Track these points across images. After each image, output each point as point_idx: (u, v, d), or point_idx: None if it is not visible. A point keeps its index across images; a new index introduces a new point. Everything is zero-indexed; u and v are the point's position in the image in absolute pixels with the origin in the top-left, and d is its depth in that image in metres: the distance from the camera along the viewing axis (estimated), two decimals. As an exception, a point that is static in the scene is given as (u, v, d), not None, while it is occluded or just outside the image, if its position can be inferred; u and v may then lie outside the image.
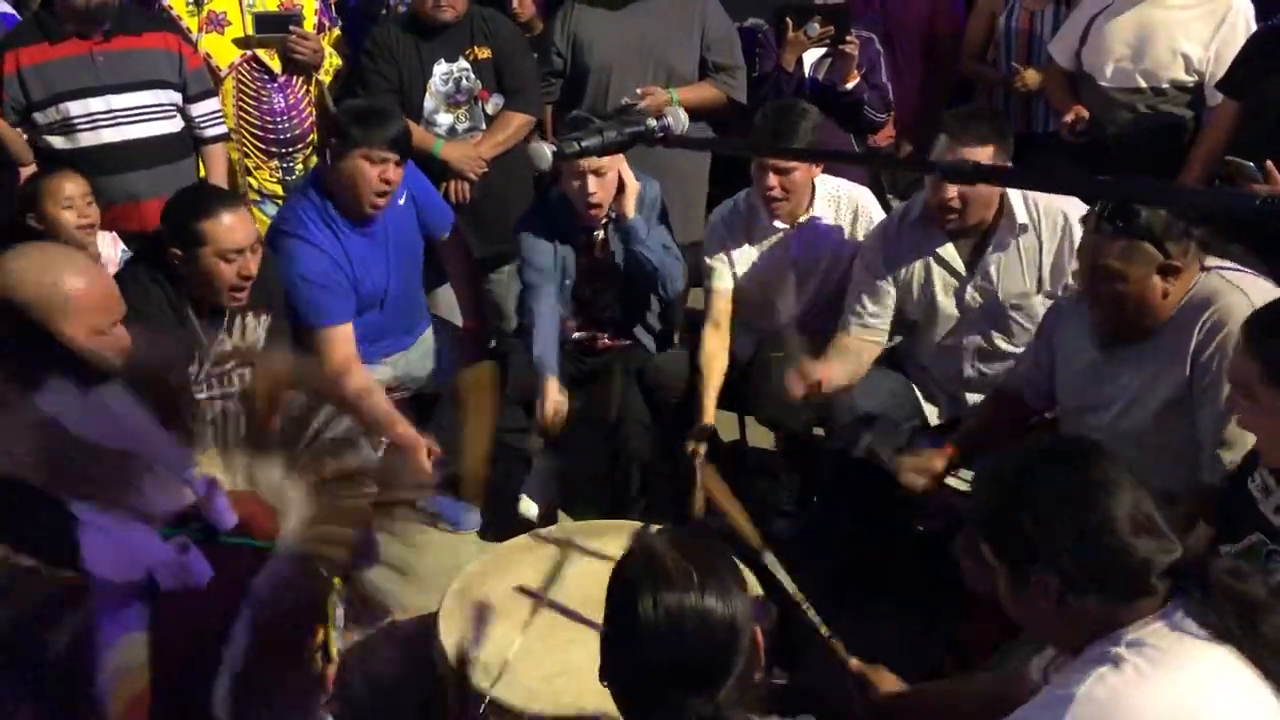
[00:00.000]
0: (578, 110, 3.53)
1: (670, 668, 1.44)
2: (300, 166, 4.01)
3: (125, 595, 0.83)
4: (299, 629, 0.90)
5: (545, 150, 1.72)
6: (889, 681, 2.07)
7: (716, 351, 3.40)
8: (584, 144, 1.73)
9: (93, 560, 0.81)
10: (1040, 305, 3.04)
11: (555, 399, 3.29)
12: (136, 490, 0.85)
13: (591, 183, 3.26)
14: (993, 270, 3.06)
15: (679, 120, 1.73)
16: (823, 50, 3.92)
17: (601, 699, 2.11)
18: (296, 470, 0.97)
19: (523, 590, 2.53)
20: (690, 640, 1.44)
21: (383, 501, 0.99)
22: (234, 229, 2.87)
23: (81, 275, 2.16)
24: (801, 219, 3.39)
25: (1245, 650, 1.43)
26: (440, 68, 3.87)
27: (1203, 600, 1.45)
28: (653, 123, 1.71)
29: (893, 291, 3.20)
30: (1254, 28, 3.59)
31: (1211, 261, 2.45)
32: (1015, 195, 3.02)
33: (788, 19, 3.86)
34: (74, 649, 0.82)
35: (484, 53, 3.88)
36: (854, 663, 2.12)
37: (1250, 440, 2.09)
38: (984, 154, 2.90)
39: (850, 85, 3.89)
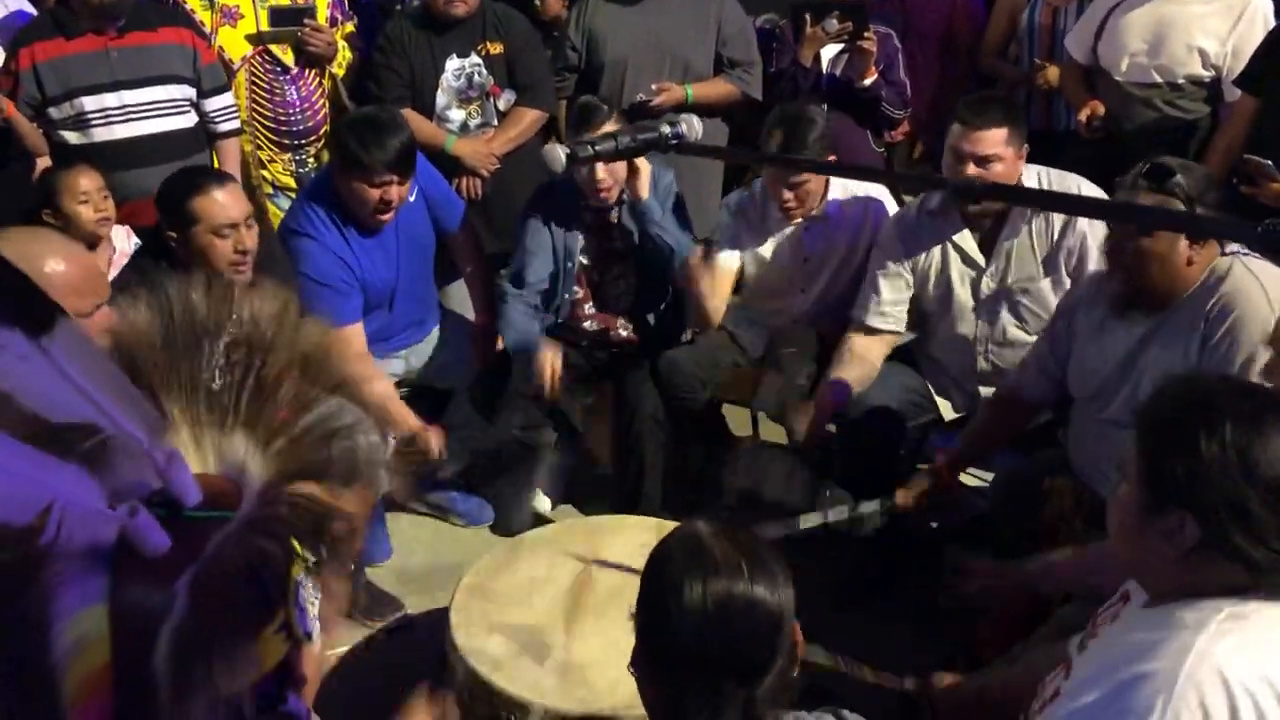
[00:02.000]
0: (587, 99, 3.54)
1: (713, 658, 1.40)
2: (313, 160, 4.01)
3: (83, 567, 0.81)
4: (249, 597, 0.87)
5: (559, 154, 1.75)
6: (946, 681, 2.02)
7: (709, 291, 3.41)
8: (597, 149, 1.76)
9: None
10: (1048, 288, 3.04)
11: (548, 358, 3.28)
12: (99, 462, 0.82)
13: (599, 168, 3.26)
14: (1007, 256, 3.06)
15: (693, 128, 1.76)
16: (840, 46, 3.91)
17: (613, 694, 2.14)
18: (272, 449, 0.94)
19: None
20: (737, 631, 1.40)
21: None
22: (226, 204, 2.84)
23: (62, 258, 2.16)
24: (814, 215, 3.38)
25: None
26: (452, 63, 3.87)
27: None
28: (666, 129, 1.74)
29: (910, 280, 3.20)
30: (1272, 23, 3.56)
31: (1232, 246, 2.45)
32: (1029, 177, 3.02)
33: (805, 15, 3.85)
34: (26, 624, 0.79)
35: (496, 48, 3.88)
36: (908, 683, 2.07)
37: None
38: (998, 137, 2.90)
39: (868, 81, 3.88)
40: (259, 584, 0.86)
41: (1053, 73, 4.06)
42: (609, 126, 3.20)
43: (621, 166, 3.30)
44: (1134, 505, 1.47)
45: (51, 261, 2.12)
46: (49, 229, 2.75)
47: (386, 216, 3.25)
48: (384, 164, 3.13)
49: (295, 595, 0.92)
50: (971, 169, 2.91)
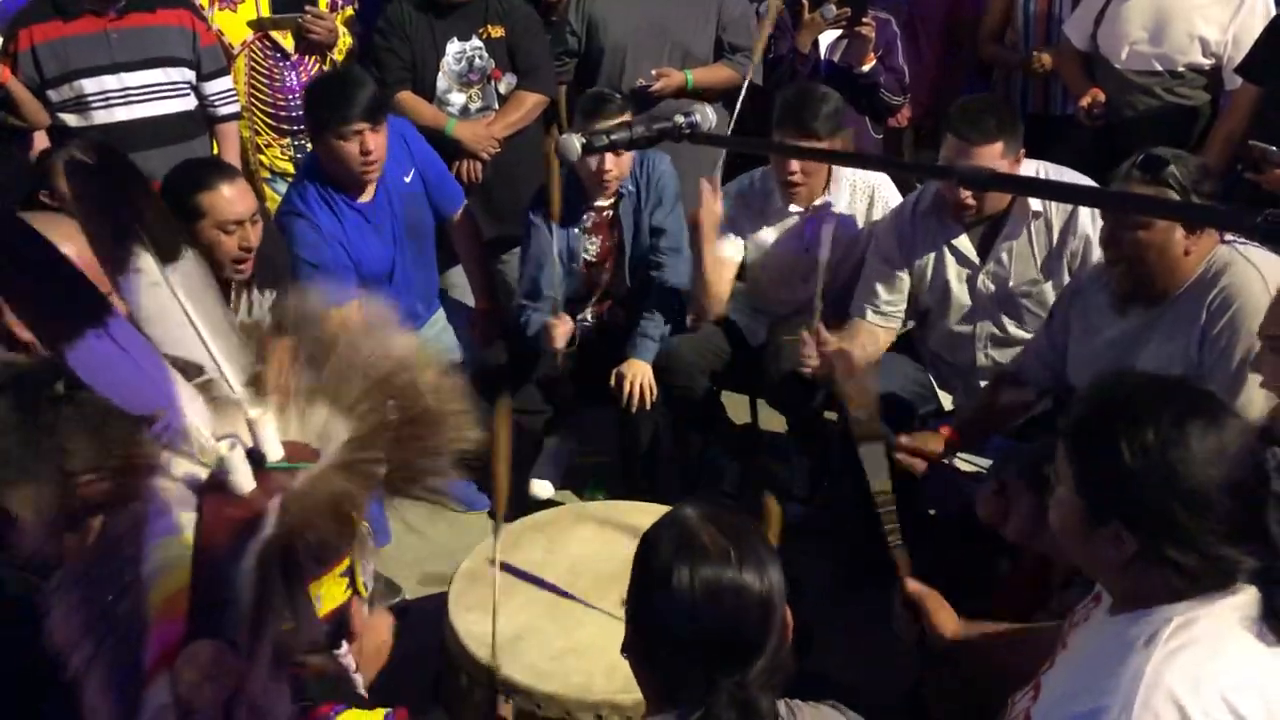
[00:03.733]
0: (599, 87, 3.54)
1: (704, 643, 1.41)
2: (311, 145, 4.00)
3: (176, 496, 0.89)
4: (327, 531, 0.94)
5: (575, 143, 1.76)
6: (946, 613, 2.01)
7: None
8: (613, 138, 1.77)
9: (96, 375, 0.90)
10: (1050, 291, 3.04)
11: (561, 323, 3.31)
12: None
13: (608, 160, 3.27)
14: (1004, 257, 3.06)
15: (706, 117, 1.76)
16: (839, 32, 3.90)
17: (609, 679, 2.15)
18: (342, 406, 1.01)
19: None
20: (726, 616, 1.41)
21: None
22: (233, 200, 2.86)
23: (71, 242, 2.16)
24: (816, 204, 3.38)
25: None
26: (453, 46, 3.86)
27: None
28: (680, 119, 1.74)
29: (907, 278, 3.19)
30: (1274, 12, 3.55)
31: (1229, 236, 2.45)
32: (1028, 173, 3.00)
33: (804, 1, 3.84)
34: (130, 535, 0.89)
35: (497, 32, 3.87)
36: (911, 584, 2.07)
37: (1259, 413, 2.07)
38: (993, 152, 2.86)
39: (866, 68, 3.88)
40: (337, 520, 0.93)
41: (1047, 58, 4.06)
42: (621, 118, 3.22)
43: (626, 159, 3.30)
44: (1075, 514, 1.47)
45: (61, 245, 2.12)
46: (54, 215, 2.74)
47: (373, 170, 3.26)
48: (349, 115, 3.16)
49: (361, 547, 1.00)
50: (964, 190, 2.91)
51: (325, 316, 1.05)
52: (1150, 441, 1.38)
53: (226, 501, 0.93)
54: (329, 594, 1.02)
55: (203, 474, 0.96)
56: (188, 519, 0.92)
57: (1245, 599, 1.40)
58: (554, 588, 2.48)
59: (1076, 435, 1.49)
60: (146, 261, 1.00)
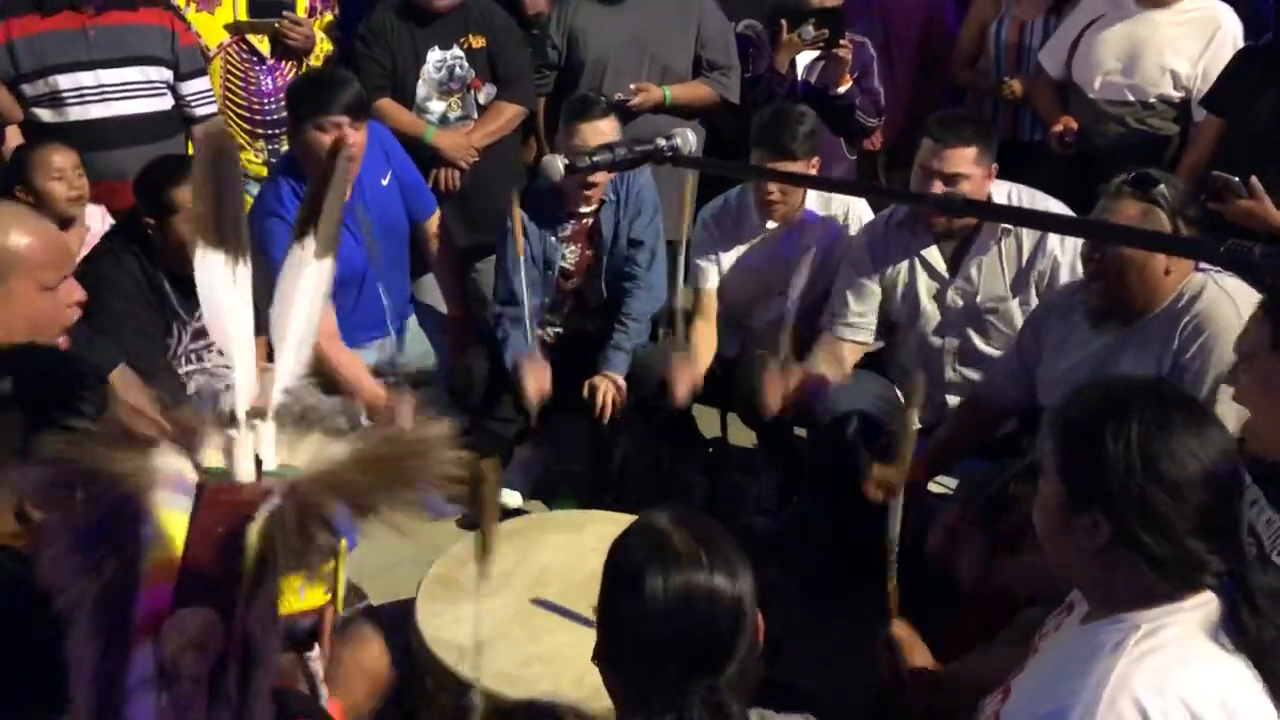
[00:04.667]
0: (586, 91, 3.56)
1: (676, 648, 1.41)
2: (285, 148, 4.00)
3: (177, 477, 0.94)
4: (322, 523, 0.97)
5: (558, 164, 1.81)
6: (921, 654, 2.05)
7: (702, 340, 3.43)
8: (595, 160, 1.80)
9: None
10: (1016, 309, 3.08)
11: (535, 379, 3.29)
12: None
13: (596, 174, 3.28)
14: (974, 272, 3.10)
15: (687, 141, 1.80)
16: (816, 53, 3.94)
17: (578, 687, 2.15)
18: (333, 432, 1.05)
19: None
20: (698, 620, 1.41)
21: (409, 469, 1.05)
22: None
23: (28, 231, 2.15)
24: (791, 219, 3.41)
25: (1262, 671, 1.40)
26: (434, 55, 3.88)
27: (1248, 615, 1.41)
28: (662, 142, 1.78)
29: (878, 292, 3.23)
30: (1241, 45, 3.63)
31: (1204, 265, 2.49)
32: (1000, 195, 3.06)
33: (782, 21, 3.87)
34: (133, 499, 0.93)
35: (478, 42, 3.89)
36: (898, 627, 2.11)
37: (1230, 430, 2.11)
38: (967, 155, 2.94)
39: (842, 89, 3.91)
40: (328, 522, 0.96)
41: (1017, 85, 4.12)
42: (604, 124, 3.23)
43: (607, 176, 3.34)
44: (1054, 505, 1.52)
45: (16, 235, 2.11)
46: (13, 203, 2.73)
47: (351, 165, 3.25)
48: (331, 107, 3.18)
49: (343, 555, 1.03)
50: (939, 186, 2.95)
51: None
52: (1134, 430, 1.43)
53: (225, 488, 0.96)
54: (310, 593, 1.04)
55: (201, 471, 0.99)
56: (185, 500, 0.95)
57: (1210, 610, 1.44)
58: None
59: (1063, 429, 1.54)
60: (309, 244, 1.06)
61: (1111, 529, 1.44)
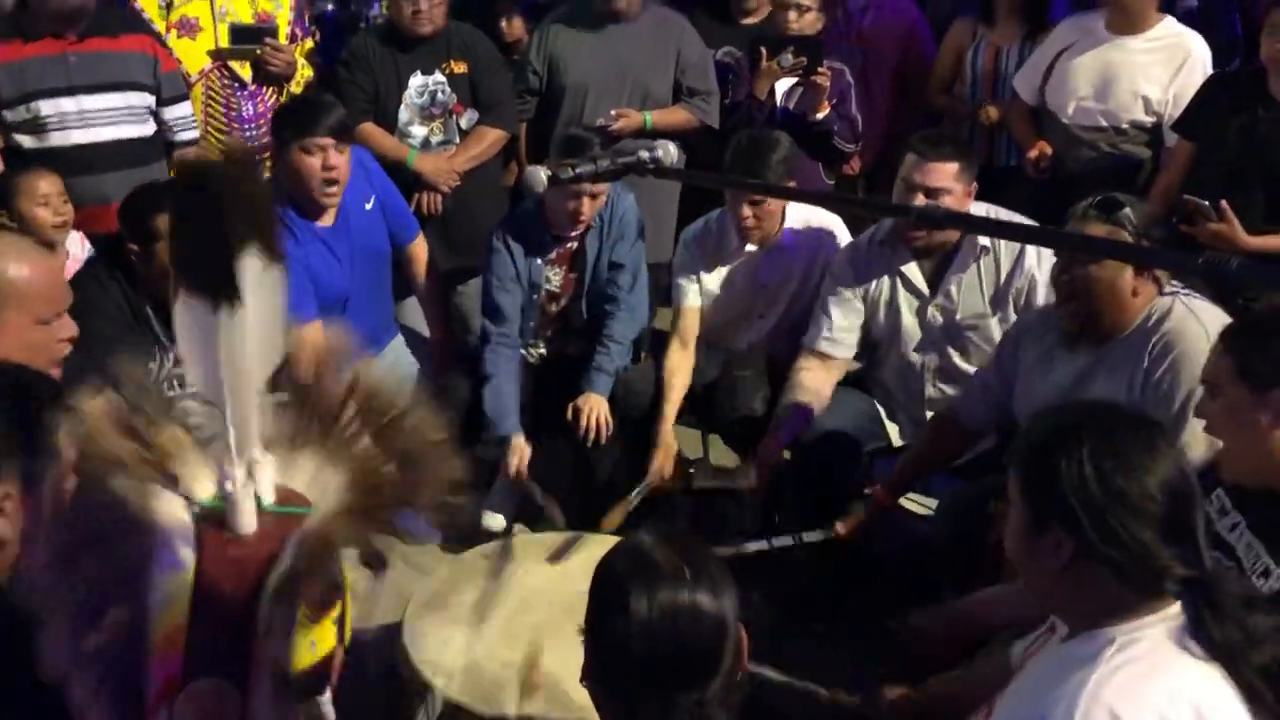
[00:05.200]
0: (563, 125, 3.59)
1: (661, 664, 1.44)
2: (267, 174, 4.00)
3: (177, 533, 0.89)
4: (329, 576, 0.95)
5: (540, 175, 1.80)
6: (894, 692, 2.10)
7: (679, 366, 3.45)
8: (578, 171, 1.81)
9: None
10: (995, 327, 3.12)
11: (518, 451, 3.33)
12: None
13: (585, 203, 3.32)
14: (953, 290, 3.14)
15: (669, 153, 1.81)
16: (794, 80, 3.98)
17: (565, 708, 2.15)
18: (329, 457, 1.01)
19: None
20: (685, 636, 1.44)
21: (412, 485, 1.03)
22: None
23: (26, 263, 2.15)
24: (771, 241, 3.44)
25: (1234, 676, 1.44)
26: (416, 80, 3.90)
27: (1212, 620, 1.45)
28: (644, 154, 1.79)
29: (861, 308, 3.26)
30: (1210, 72, 3.70)
31: (1172, 285, 2.54)
32: (978, 214, 3.09)
33: (762, 49, 3.92)
34: (138, 567, 0.90)
35: (460, 67, 3.92)
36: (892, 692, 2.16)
37: (1200, 456, 2.15)
38: (949, 171, 2.99)
39: (821, 115, 3.95)
40: (337, 569, 0.94)
41: (994, 111, 4.18)
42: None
43: (601, 199, 3.36)
44: (1020, 528, 1.58)
45: (15, 266, 2.11)
46: (11, 232, 2.72)
47: (333, 192, 3.27)
48: (316, 130, 3.19)
49: (349, 594, 1.01)
50: (921, 200, 2.99)
51: (297, 354, 1.06)
52: (1085, 449, 1.50)
53: (228, 541, 0.94)
54: (322, 639, 1.02)
55: (194, 507, 0.96)
56: (189, 555, 0.93)
57: (1179, 622, 1.48)
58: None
59: (1023, 453, 1.61)
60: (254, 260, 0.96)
61: (1074, 544, 1.50)
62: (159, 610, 0.90)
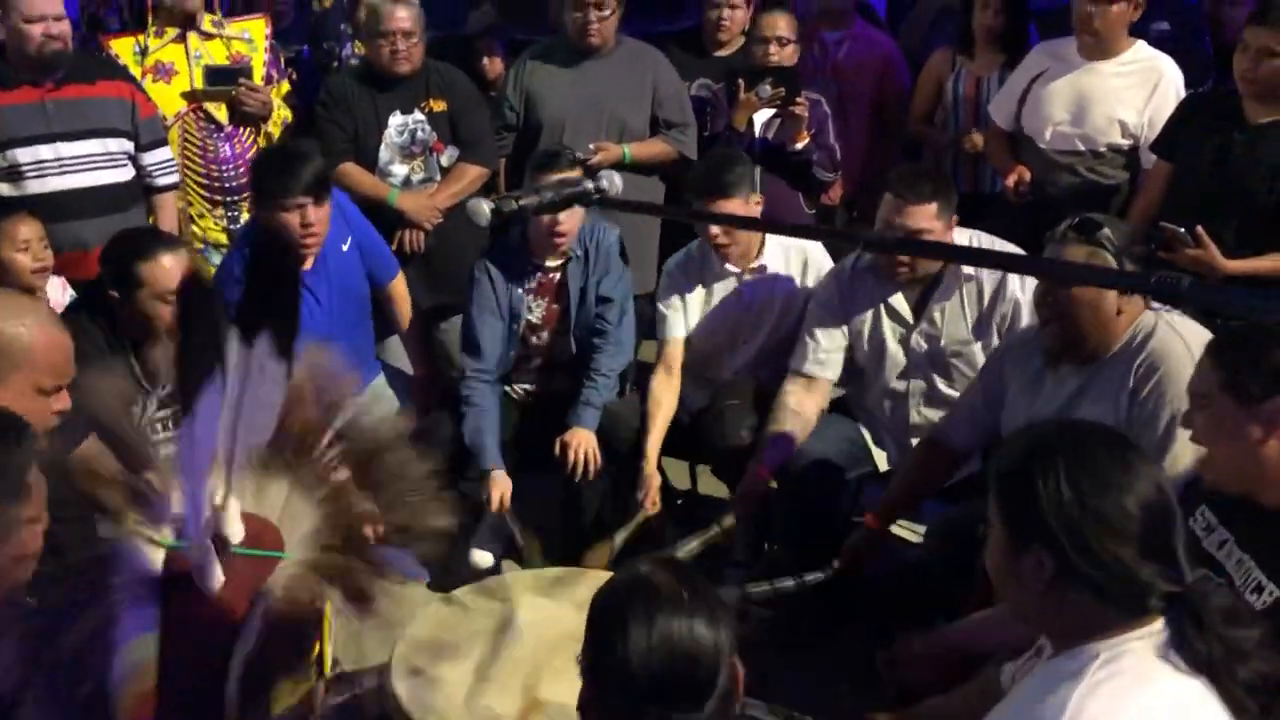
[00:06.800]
0: (555, 145, 3.61)
1: (661, 691, 1.44)
2: (245, 216, 4.00)
3: (141, 595, 0.86)
4: (302, 632, 0.92)
5: (484, 207, 1.81)
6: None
7: (664, 395, 3.45)
8: (521, 202, 1.82)
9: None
10: (979, 352, 3.13)
11: (498, 487, 3.31)
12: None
13: (562, 218, 3.32)
14: (938, 317, 3.15)
15: (614, 183, 1.83)
16: (773, 111, 4.01)
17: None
18: (303, 485, 0.99)
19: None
20: (683, 661, 1.45)
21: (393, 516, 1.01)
22: (172, 270, 2.86)
23: (44, 333, 2.17)
24: (753, 267, 3.45)
25: (1219, 689, 1.44)
26: (395, 119, 3.92)
27: (1194, 634, 1.45)
28: (589, 185, 1.81)
29: (845, 332, 3.27)
30: (1183, 94, 3.73)
31: (1155, 304, 2.55)
32: (961, 241, 3.11)
33: (740, 80, 3.95)
34: (93, 643, 0.84)
35: (439, 105, 3.94)
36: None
37: (1188, 470, 2.15)
38: (929, 211, 2.99)
39: (799, 145, 3.98)
40: (311, 619, 0.92)
41: (978, 138, 4.21)
42: (573, 175, 3.28)
43: (576, 216, 3.36)
44: (1001, 550, 1.58)
45: (37, 331, 2.14)
46: (22, 294, 2.72)
47: (312, 243, 3.27)
48: (297, 187, 3.18)
49: (329, 631, 0.99)
50: None
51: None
52: (1061, 468, 1.50)
53: (195, 600, 0.93)
54: (300, 684, 1.04)
55: (157, 557, 0.95)
56: (154, 615, 0.91)
57: (1163, 636, 1.48)
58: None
59: (1000, 477, 1.61)
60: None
61: (1055, 564, 1.50)
62: (126, 680, 0.89)
